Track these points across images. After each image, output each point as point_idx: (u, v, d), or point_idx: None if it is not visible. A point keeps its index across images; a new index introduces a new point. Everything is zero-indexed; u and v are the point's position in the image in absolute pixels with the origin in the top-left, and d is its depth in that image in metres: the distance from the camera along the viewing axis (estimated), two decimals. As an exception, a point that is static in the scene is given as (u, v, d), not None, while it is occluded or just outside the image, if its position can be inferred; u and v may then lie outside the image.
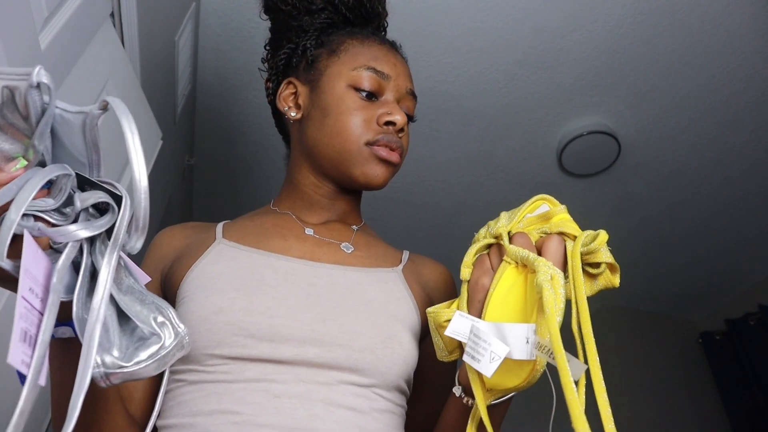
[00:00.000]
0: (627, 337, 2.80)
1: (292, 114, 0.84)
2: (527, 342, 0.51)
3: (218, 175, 2.29)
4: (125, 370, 0.42)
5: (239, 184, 2.33)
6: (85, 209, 0.45)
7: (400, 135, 0.80)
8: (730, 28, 1.66)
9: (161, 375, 0.72)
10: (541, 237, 0.59)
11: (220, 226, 0.79)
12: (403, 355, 0.67)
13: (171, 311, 0.46)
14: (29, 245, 0.41)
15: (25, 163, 0.45)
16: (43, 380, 0.38)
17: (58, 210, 0.44)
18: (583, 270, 0.56)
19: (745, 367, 2.49)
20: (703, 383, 2.69)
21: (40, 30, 0.81)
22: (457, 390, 0.63)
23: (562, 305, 0.51)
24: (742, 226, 2.37)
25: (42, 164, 0.46)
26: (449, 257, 0.90)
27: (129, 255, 0.48)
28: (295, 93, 0.85)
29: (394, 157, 0.79)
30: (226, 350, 0.63)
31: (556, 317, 0.49)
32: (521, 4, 1.62)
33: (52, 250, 0.44)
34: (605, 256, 0.55)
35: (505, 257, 0.59)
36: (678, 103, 1.89)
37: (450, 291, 0.84)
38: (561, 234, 0.58)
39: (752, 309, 2.53)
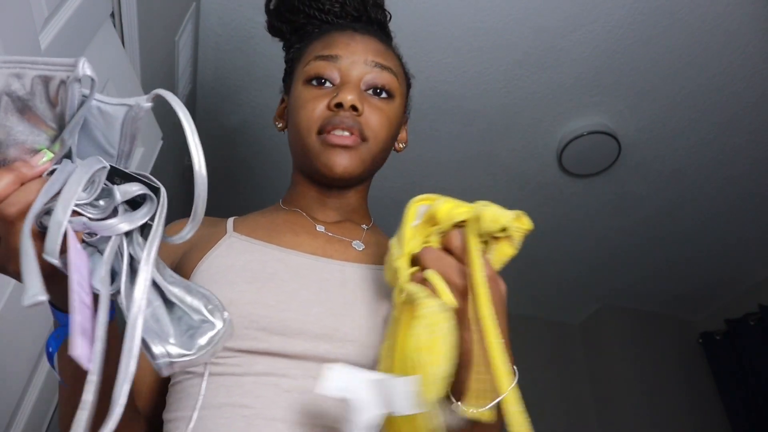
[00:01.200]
0: (627, 337, 2.80)
1: (279, 125, 0.89)
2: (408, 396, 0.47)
3: (218, 175, 2.29)
4: (187, 358, 0.43)
5: (239, 185, 2.33)
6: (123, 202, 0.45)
7: (357, 113, 0.75)
8: (730, 28, 1.66)
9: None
10: (442, 237, 0.57)
11: (230, 220, 0.79)
12: None
13: (217, 299, 0.47)
14: (74, 241, 0.41)
15: (52, 155, 0.44)
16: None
17: (91, 203, 0.44)
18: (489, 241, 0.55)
19: (745, 367, 2.49)
20: (703, 383, 2.69)
21: (41, 30, 0.81)
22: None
23: (445, 348, 0.49)
24: (742, 226, 2.37)
25: (66, 155, 0.45)
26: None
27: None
28: (284, 105, 0.89)
29: (346, 140, 0.74)
30: (237, 343, 0.63)
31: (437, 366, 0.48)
32: (521, 4, 1.62)
33: (85, 243, 0.44)
34: (499, 226, 0.53)
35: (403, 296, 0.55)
36: (678, 103, 1.89)
37: None
38: (457, 226, 0.56)
39: (752, 309, 2.52)
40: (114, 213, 0.44)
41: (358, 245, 0.78)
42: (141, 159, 1.29)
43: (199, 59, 1.81)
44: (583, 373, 2.87)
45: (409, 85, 0.89)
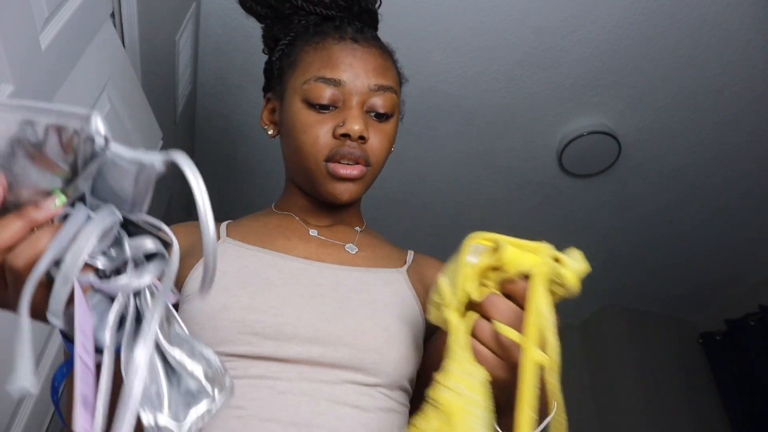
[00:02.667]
0: (627, 337, 2.80)
1: (270, 132, 0.85)
2: None
3: (219, 175, 2.29)
4: (179, 431, 0.41)
5: (240, 185, 2.33)
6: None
7: (362, 142, 0.75)
8: (730, 28, 1.66)
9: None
10: (502, 284, 0.51)
11: (223, 225, 0.79)
12: (408, 355, 0.68)
13: (218, 361, 0.45)
14: (80, 300, 0.39)
15: (65, 199, 0.42)
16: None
17: (101, 251, 0.42)
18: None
19: (745, 368, 2.49)
20: (703, 383, 2.69)
21: (41, 30, 0.81)
22: None
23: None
24: (742, 226, 2.37)
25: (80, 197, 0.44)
26: (449, 257, 0.90)
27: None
28: (273, 109, 0.85)
29: (353, 172, 0.74)
30: (230, 348, 0.63)
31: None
32: (521, 4, 1.62)
33: (92, 290, 0.43)
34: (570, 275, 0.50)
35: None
36: (678, 103, 1.89)
37: None
38: (523, 277, 0.50)
39: (753, 309, 2.52)
40: (123, 262, 0.43)
41: (351, 248, 0.78)
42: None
43: (200, 59, 1.81)
44: (583, 373, 2.87)
45: (401, 85, 0.86)
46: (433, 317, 0.56)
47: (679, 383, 2.68)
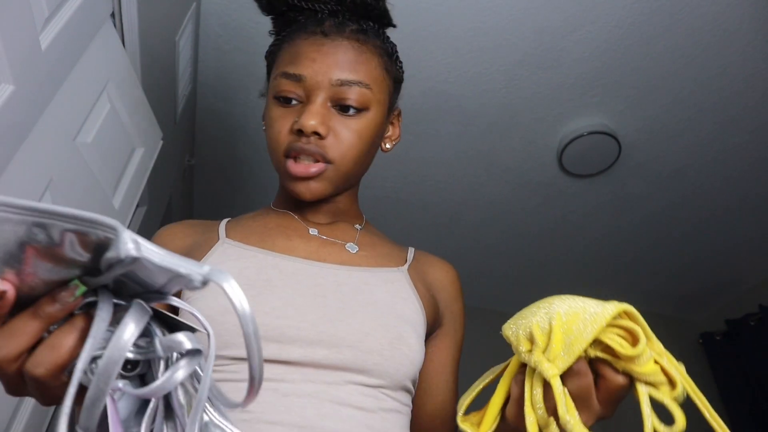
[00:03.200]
0: (627, 337, 2.80)
1: (264, 129, 0.84)
2: None
3: (219, 175, 2.29)
4: None
5: (240, 185, 2.33)
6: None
7: (321, 137, 0.72)
8: (730, 28, 1.66)
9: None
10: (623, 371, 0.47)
11: (222, 225, 0.79)
12: (411, 356, 0.67)
13: None
14: (113, 415, 0.35)
15: (84, 289, 0.36)
16: None
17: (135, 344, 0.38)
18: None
19: (745, 368, 2.49)
20: (703, 383, 2.69)
21: (41, 30, 0.81)
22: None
23: None
24: (742, 227, 2.37)
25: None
26: (449, 257, 0.90)
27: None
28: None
29: (309, 168, 0.72)
30: (233, 351, 0.63)
31: None
32: (522, 5, 1.62)
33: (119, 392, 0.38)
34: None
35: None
36: (678, 104, 1.89)
37: (456, 290, 0.84)
38: (647, 384, 0.48)
39: (753, 309, 2.53)
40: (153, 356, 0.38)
41: (351, 247, 0.78)
42: (141, 159, 1.29)
43: (200, 59, 1.81)
44: (583, 373, 2.87)
45: (396, 80, 0.83)
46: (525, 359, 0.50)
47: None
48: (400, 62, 0.85)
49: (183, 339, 0.38)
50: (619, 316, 0.48)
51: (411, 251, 0.84)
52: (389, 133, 0.86)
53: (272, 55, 0.82)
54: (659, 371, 0.47)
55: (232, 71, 1.84)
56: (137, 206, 1.36)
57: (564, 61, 1.78)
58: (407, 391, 0.70)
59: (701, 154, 2.06)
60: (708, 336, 2.72)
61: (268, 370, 0.62)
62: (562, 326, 0.47)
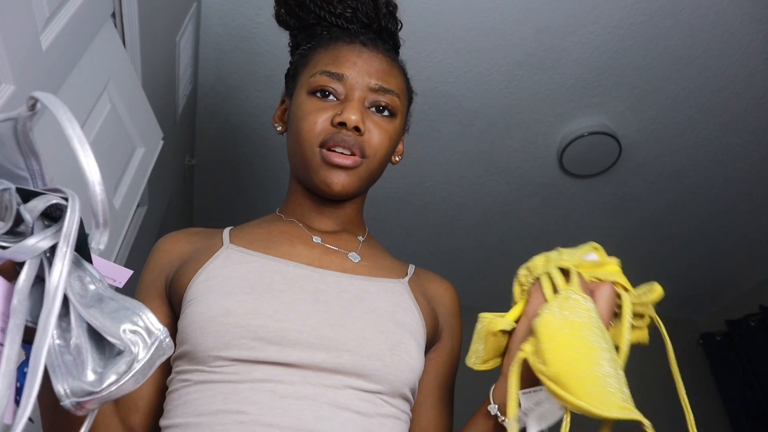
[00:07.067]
0: (627, 337, 2.80)
1: (278, 129, 0.88)
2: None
3: (219, 175, 2.29)
4: (98, 395, 0.37)
5: (240, 185, 2.33)
6: (40, 221, 0.40)
7: (359, 134, 0.77)
8: (730, 29, 1.66)
9: (164, 377, 0.71)
10: (591, 282, 0.63)
11: (226, 231, 0.79)
12: (410, 363, 0.68)
13: (144, 314, 0.40)
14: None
15: None
16: (8, 417, 0.35)
17: (12, 231, 0.39)
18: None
19: (746, 368, 2.48)
20: (703, 384, 2.69)
21: (42, 30, 0.81)
22: (492, 408, 0.63)
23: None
24: (742, 227, 2.37)
25: None
26: (449, 257, 0.91)
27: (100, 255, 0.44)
28: (286, 108, 0.88)
29: (346, 159, 0.76)
30: (233, 352, 0.63)
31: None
32: (522, 5, 1.62)
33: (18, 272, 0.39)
34: (652, 311, 0.62)
35: (567, 290, 0.60)
36: (679, 104, 1.89)
37: (455, 306, 0.85)
38: (614, 283, 0.63)
39: (753, 310, 2.52)
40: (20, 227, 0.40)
41: (354, 257, 0.79)
42: (141, 159, 1.29)
43: (200, 59, 1.81)
44: (583, 373, 2.87)
45: (410, 101, 0.89)
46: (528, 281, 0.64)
47: (680, 383, 2.68)
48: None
49: (43, 197, 0.40)
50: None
51: (411, 267, 0.85)
52: (398, 148, 0.90)
53: (304, 58, 0.85)
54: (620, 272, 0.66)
55: (233, 71, 1.84)
56: (137, 206, 1.36)
57: (564, 62, 1.78)
58: (406, 399, 0.70)
59: (701, 155, 2.06)
60: (708, 336, 2.72)
61: (267, 372, 0.63)
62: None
